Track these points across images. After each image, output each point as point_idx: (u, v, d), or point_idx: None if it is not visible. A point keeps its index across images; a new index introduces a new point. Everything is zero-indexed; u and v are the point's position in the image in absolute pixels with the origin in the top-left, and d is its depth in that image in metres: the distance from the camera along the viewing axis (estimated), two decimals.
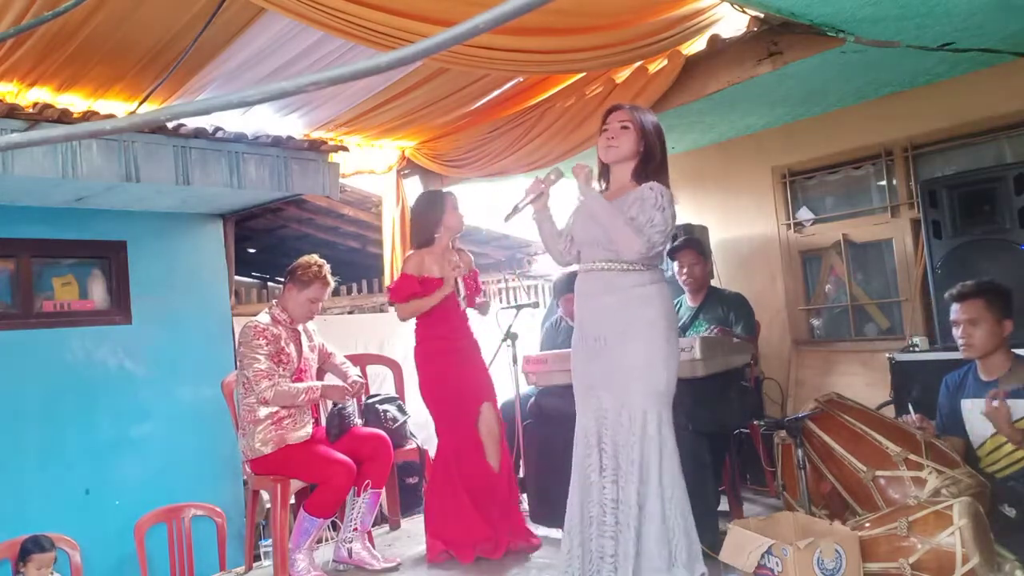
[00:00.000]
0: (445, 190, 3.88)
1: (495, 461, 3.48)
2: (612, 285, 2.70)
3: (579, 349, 2.81)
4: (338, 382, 3.64)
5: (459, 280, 3.51)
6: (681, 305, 4.31)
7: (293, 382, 3.42)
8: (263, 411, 3.34)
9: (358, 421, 3.67)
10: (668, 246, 2.86)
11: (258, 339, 3.34)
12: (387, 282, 5.59)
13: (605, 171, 2.84)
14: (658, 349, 2.63)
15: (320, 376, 3.73)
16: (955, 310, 3.03)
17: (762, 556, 2.51)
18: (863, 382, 4.41)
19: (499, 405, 3.66)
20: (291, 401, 3.35)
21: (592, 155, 2.89)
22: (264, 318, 3.45)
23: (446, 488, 3.46)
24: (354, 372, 3.73)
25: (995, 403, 2.80)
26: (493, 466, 3.47)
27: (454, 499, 3.42)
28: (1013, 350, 3.01)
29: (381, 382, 4.99)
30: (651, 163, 2.73)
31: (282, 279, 3.66)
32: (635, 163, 2.74)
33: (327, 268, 3.55)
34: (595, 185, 2.80)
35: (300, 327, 3.56)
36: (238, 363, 3.45)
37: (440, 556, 3.43)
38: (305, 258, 3.55)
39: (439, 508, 3.49)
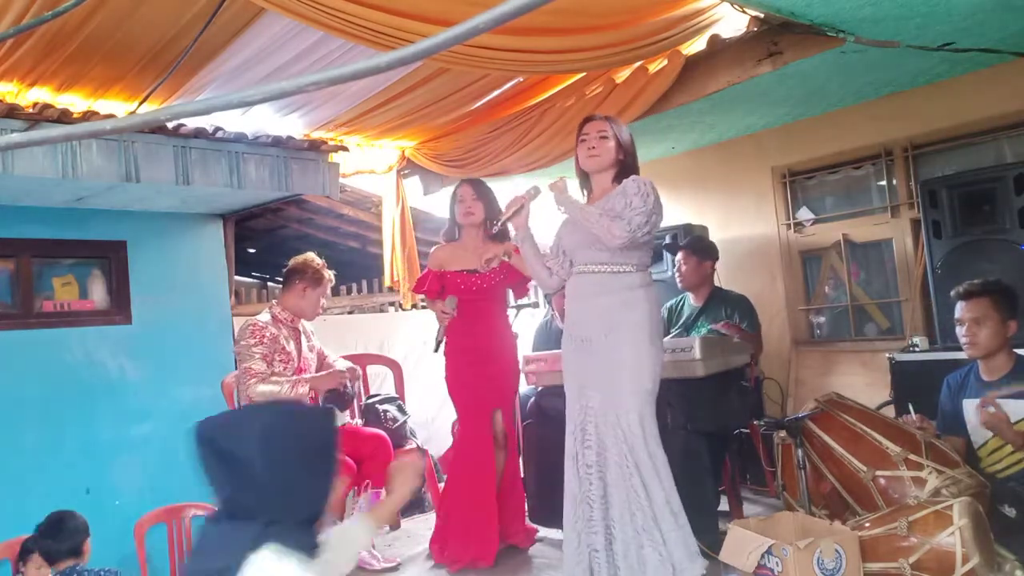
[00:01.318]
0: (465, 179, 3.79)
1: (499, 467, 3.47)
2: (604, 287, 2.76)
3: (569, 349, 2.87)
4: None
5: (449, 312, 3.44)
6: (684, 303, 4.32)
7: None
8: None
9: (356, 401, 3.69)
10: (657, 238, 2.90)
11: (253, 338, 3.34)
12: (387, 282, 5.60)
13: (586, 180, 2.94)
14: (644, 349, 2.70)
15: None
16: (960, 308, 3.02)
17: (762, 556, 2.51)
18: (863, 382, 4.41)
19: None
20: (276, 397, 3.31)
21: None
22: (264, 317, 3.45)
23: (453, 490, 3.48)
24: (343, 364, 3.73)
25: (991, 410, 2.82)
26: (496, 471, 3.46)
27: (457, 504, 3.43)
28: (1015, 351, 3.01)
29: (381, 382, 4.99)
30: (630, 169, 2.85)
31: (281, 279, 3.64)
32: (615, 170, 2.85)
33: (324, 264, 3.62)
34: (573, 195, 2.89)
35: (300, 326, 3.55)
36: (236, 362, 3.45)
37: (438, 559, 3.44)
38: (310, 257, 3.55)
39: (443, 510, 3.50)
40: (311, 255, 3.58)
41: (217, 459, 1.39)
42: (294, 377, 3.40)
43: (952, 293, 3.12)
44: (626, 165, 2.85)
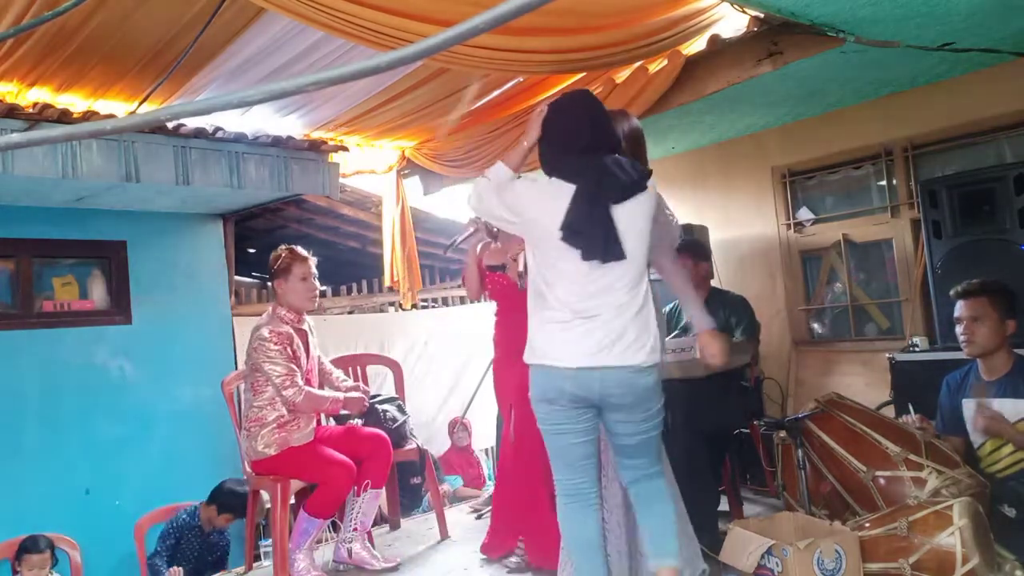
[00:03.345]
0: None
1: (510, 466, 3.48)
2: None
3: None
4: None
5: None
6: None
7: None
8: (271, 415, 3.33)
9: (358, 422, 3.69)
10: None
11: (273, 342, 3.30)
12: (387, 282, 5.59)
13: None
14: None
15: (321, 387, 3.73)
16: (959, 307, 3.04)
17: (762, 556, 2.51)
18: (863, 382, 4.41)
19: None
20: (316, 406, 3.38)
21: None
22: (270, 322, 3.41)
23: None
24: (350, 382, 3.75)
25: (988, 413, 2.87)
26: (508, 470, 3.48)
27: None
28: (1016, 351, 3.01)
29: (381, 382, 4.99)
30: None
31: None
32: None
33: (295, 247, 3.52)
34: None
35: (305, 326, 3.54)
36: (248, 366, 3.42)
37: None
38: (277, 251, 3.52)
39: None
40: (279, 248, 3.52)
41: (586, 126, 2.39)
42: (333, 394, 3.50)
43: (951, 292, 3.13)
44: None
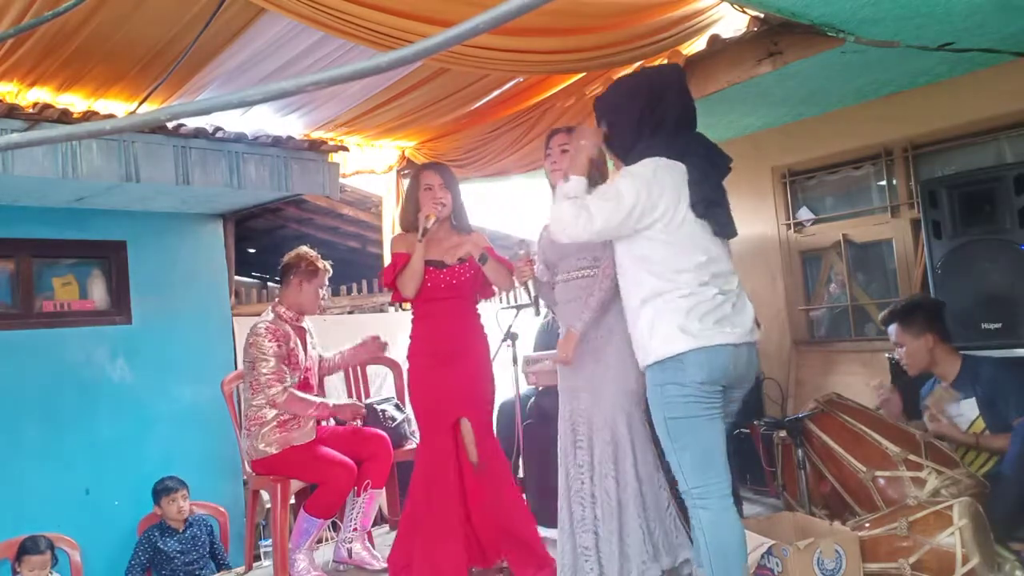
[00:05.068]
0: (429, 165, 3.44)
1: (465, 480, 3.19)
2: (589, 290, 2.82)
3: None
4: (346, 400, 3.66)
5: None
6: None
7: (300, 383, 3.43)
8: (270, 413, 3.33)
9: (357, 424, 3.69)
10: None
11: (268, 339, 3.31)
12: None
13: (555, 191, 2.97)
14: (629, 351, 2.64)
15: (320, 384, 3.73)
16: None
17: (762, 556, 2.51)
18: (863, 382, 4.40)
19: (499, 405, 3.63)
20: (300, 410, 3.36)
21: None
22: (268, 317, 3.43)
23: (413, 508, 3.19)
24: (349, 351, 3.76)
25: (940, 418, 3.04)
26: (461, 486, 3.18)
27: (418, 524, 3.14)
28: (965, 352, 3.16)
29: (381, 382, 4.99)
30: (596, 179, 2.77)
31: (279, 278, 3.63)
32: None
33: (318, 256, 3.57)
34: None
35: (304, 324, 3.55)
36: (246, 363, 3.43)
37: None
38: (302, 251, 3.54)
39: (404, 529, 3.25)
40: (303, 248, 3.56)
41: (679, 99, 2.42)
42: (320, 399, 3.46)
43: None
44: (591, 176, 2.79)
